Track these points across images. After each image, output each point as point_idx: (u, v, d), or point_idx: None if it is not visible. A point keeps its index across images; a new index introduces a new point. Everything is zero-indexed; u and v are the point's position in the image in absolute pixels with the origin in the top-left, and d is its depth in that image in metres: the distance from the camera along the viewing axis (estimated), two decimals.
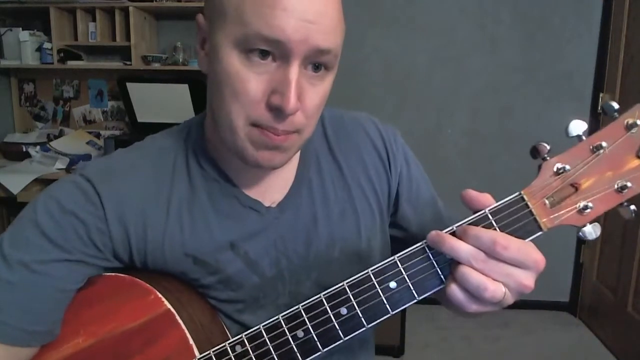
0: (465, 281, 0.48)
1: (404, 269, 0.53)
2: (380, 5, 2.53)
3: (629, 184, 0.49)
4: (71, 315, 0.60)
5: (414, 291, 0.53)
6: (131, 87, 2.40)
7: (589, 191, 0.50)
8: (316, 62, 0.53)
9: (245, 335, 0.57)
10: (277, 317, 0.56)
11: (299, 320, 0.55)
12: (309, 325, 0.55)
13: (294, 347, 0.55)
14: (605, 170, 0.50)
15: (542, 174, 0.51)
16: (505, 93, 2.54)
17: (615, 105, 0.49)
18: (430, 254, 0.52)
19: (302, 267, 0.66)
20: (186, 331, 0.58)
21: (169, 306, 0.59)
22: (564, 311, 2.61)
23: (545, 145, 0.51)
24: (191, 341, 0.58)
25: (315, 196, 0.66)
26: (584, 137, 0.50)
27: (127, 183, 0.61)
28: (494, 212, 0.51)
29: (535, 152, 0.51)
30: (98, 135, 2.69)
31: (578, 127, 0.50)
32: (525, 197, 0.51)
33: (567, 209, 0.50)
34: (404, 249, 0.54)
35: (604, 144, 0.49)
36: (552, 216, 0.50)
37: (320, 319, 0.54)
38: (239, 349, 0.57)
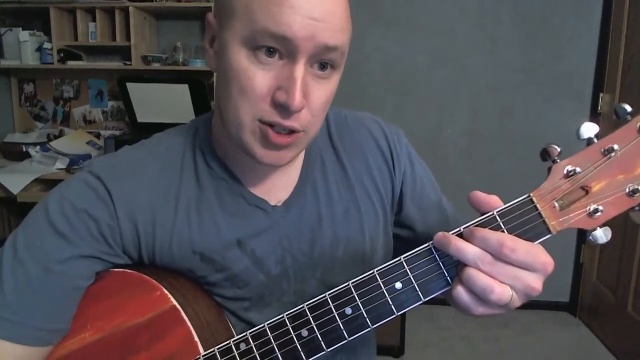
0: (471, 283, 0.48)
1: (410, 269, 0.52)
2: (380, 5, 2.53)
3: None
4: (79, 310, 0.61)
5: (419, 292, 0.52)
6: (131, 87, 2.39)
7: (599, 194, 0.49)
8: (323, 60, 0.53)
9: (250, 333, 0.57)
10: (281, 315, 0.56)
11: (303, 319, 0.55)
12: (313, 324, 0.54)
13: (298, 346, 0.55)
14: (617, 173, 0.49)
15: (552, 176, 0.50)
16: (505, 93, 2.54)
17: (628, 108, 0.48)
18: (436, 255, 0.52)
19: (307, 266, 0.66)
20: (191, 328, 0.59)
21: (175, 303, 0.59)
22: (564, 311, 2.62)
23: (556, 147, 0.50)
24: (196, 338, 0.58)
25: (319, 195, 0.67)
26: (595, 140, 0.49)
27: (135, 181, 0.61)
28: (502, 214, 0.50)
29: (545, 155, 0.50)
30: (98, 135, 2.69)
31: (589, 129, 0.49)
32: (534, 199, 0.50)
33: (576, 212, 0.49)
34: (410, 249, 0.53)
35: (615, 146, 0.48)
36: (561, 219, 0.50)
37: (325, 319, 0.54)
38: (243, 346, 0.57)
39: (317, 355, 0.55)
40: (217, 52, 0.57)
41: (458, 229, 0.51)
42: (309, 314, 0.55)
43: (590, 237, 0.50)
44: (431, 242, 0.52)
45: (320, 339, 0.54)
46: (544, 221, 0.50)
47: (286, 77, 0.52)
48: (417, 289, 0.52)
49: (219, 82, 0.57)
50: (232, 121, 0.56)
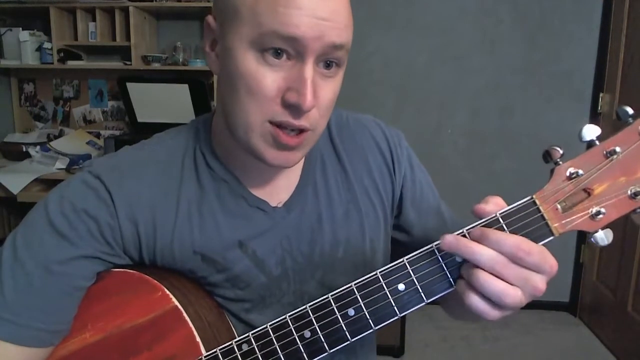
0: (486, 288, 0.47)
1: (412, 271, 0.52)
2: (380, 5, 2.53)
3: None
4: (79, 310, 0.61)
5: (422, 294, 0.52)
6: (131, 87, 2.39)
7: (601, 197, 0.49)
8: (329, 59, 0.53)
9: (252, 334, 0.57)
10: (284, 316, 0.56)
11: (306, 320, 0.55)
12: (316, 325, 0.54)
13: (301, 347, 0.55)
14: (619, 175, 0.49)
15: (554, 178, 0.50)
16: (505, 93, 2.54)
17: (630, 111, 0.49)
18: (439, 257, 0.52)
19: (307, 267, 0.66)
20: (193, 328, 0.59)
21: (177, 303, 0.59)
22: (564, 311, 2.62)
23: (558, 149, 0.50)
24: (198, 338, 0.58)
25: (320, 197, 0.67)
26: (597, 142, 0.49)
27: (136, 181, 0.61)
28: (505, 216, 0.50)
29: (547, 156, 0.51)
30: (98, 135, 2.69)
31: (591, 131, 0.49)
32: (537, 201, 0.50)
33: (579, 214, 0.49)
34: (406, 253, 0.53)
35: (617, 149, 0.48)
36: (564, 221, 0.50)
37: (328, 320, 0.54)
38: (245, 347, 0.57)
39: (319, 357, 0.55)
40: (220, 55, 0.56)
41: (461, 231, 0.51)
42: (311, 315, 0.55)
43: (592, 240, 0.50)
44: (434, 243, 0.52)
45: (323, 340, 0.54)
46: (546, 223, 0.50)
47: (296, 77, 0.52)
48: (420, 291, 0.52)
49: (223, 85, 0.57)
50: (240, 124, 0.55)
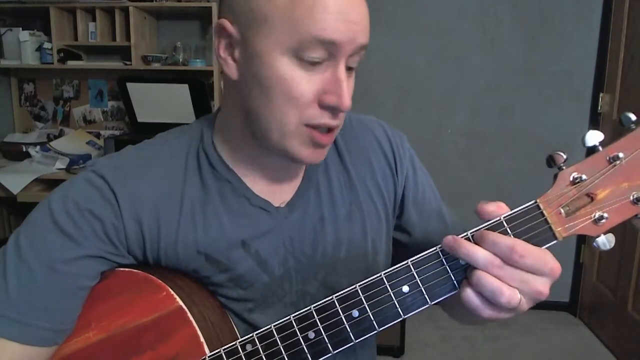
0: (480, 286, 0.48)
1: (417, 273, 0.53)
2: (380, 5, 2.53)
3: None
4: (83, 309, 0.61)
5: (426, 296, 0.53)
6: (131, 87, 2.39)
7: (604, 202, 0.50)
8: (352, 60, 0.56)
9: (256, 334, 0.57)
10: (288, 317, 0.56)
11: (310, 321, 0.55)
12: (320, 326, 0.55)
13: (305, 347, 0.55)
14: (622, 181, 0.49)
15: (558, 183, 0.51)
16: (505, 93, 2.54)
17: (633, 117, 0.49)
18: (444, 259, 0.53)
19: (309, 267, 0.66)
20: (197, 328, 0.59)
21: (181, 303, 0.59)
22: (564, 311, 2.62)
23: (562, 154, 0.51)
24: (202, 338, 0.58)
25: (322, 197, 0.67)
26: (600, 148, 0.50)
27: (140, 181, 0.61)
28: (509, 219, 0.51)
29: (551, 161, 0.51)
30: (98, 135, 2.69)
31: (594, 137, 0.50)
32: (540, 205, 0.51)
33: (582, 219, 0.50)
34: (408, 255, 0.54)
35: (621, 155, 0.49)
36: (567, 225, 0.50)
37: (332, 321, 0.54)
38: (249, 347, 0.57)
39: (323, 357, 0.55)
40: (242, 60, 0.56)
41: (465, 234, 0.52)
42: (316, 316, 0.55)
43: (594, 244, 0.51)
44: (438, 245, 0.53)
45: (327, 341, 0.54)
46: (550, 227, 0.50)
47: (332, 79, 0.54)
48: (424, 293, 0.53)
49: (248, 91, 0.56)
50: (274, 128, 0.56)
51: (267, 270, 0.64)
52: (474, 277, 0.49)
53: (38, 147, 2.47)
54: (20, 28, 2.46)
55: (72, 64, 2.47)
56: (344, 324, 0.54)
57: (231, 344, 0.58)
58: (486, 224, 0.52)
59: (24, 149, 2.47)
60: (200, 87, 2.34)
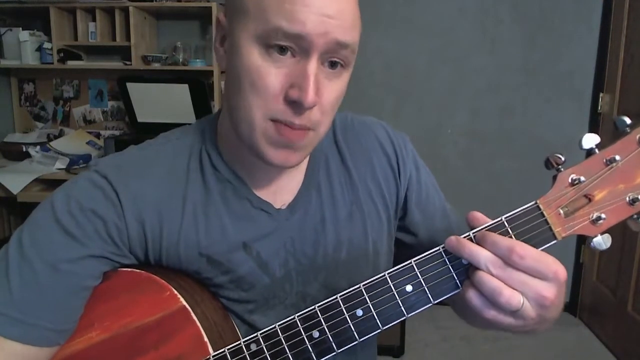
0: (481, 285, 0.49)
1: (420, 272, 0.54)
2: (380, 6, 2.53)
3: None
4: (86, 309, 0.60)
5: (429, 295, 0.54)
6: (131, 87, 2.39)
7: (602, 203, 0.52)
8: (334, 59, 0.53)
9: (261, 334, 0.57)
10: (292, 316, 0.56)
11: (314, 321, 0.55)
12: (324, 325, 0.55)
13: (309, 347, 0.55)
14: (618, 182, 0.51)
15: (557, 184, 0.52)
16: (505, 93, 2.54)
17: (628, 121, 0.51)
18: (446, 259, 0.54)
19: (310, 269, 0.66)
20: (201, 328, 0.59)
21: (185, 303, 0.59)
22: (564, 311, 2.60)
23: (560, 156, 0.52)
24: (205, 338, 0.58)
25: (323, 199, 0.67)
26: (596, 150, 0.52)
27: (143, 181, 0.61)
28: (510, 220, 0.52)
29: (549, 164, 0.53)
30: (98, 135, 2.69)
31: (590, 140, 0.52)
32: (541, 206, 0.52)
33: (580, 219, 0.52)
34: (413, 256, 0.55)
35: (617, 157, 0.51)
36: (566, 226, 0.52)
37: (336, 320, 0.55)
38: (254, 347, 0.57)
39: (327, 356, 0.55)
40: (228, 51, 0.57)
41: (468, 234, 0.53)
42: (320, 316, 0.55)
43: (591, 244, 0.52)
44: (441, 245, 0.54)
45: (332, 340, 0.55)
46: (550, 227, 0.52)
47: (299, 74, 0.52)
48: (428, 292, 0.54)
49: (229, 81, 0.57)
50: (243, 120, 0.55)
51: (268, 272, 0.64)
52: (476, 277, 0.50)
53: (38, 147, 2.47)
54: (20, 28, 2.47)
55: (72, 64, 2.47)
56: (348, 323, 0.55)
57: (235, 343, 0.58)
58: (488, 224, 0.53)
59: (24, 149, 2.47)
60: (200, 87, 2.34)
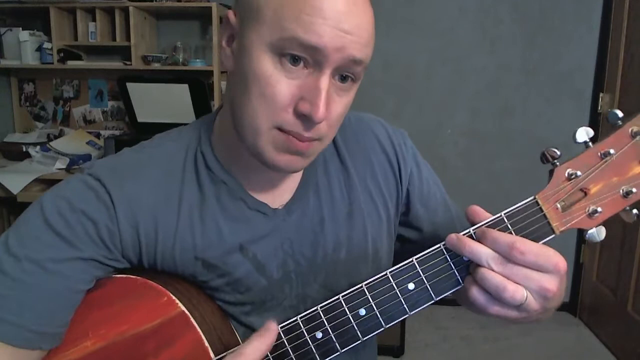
0: (485, 282, 0.50)
1: (422, 270, 0.54)
2: (380, 5, 2.53)
3: (633, 190, 0.52)
4: (79, 318, 0.58)
5: (431, 292, 0.54)
6: (131, 87, 2.39)
7: (597, 196, 0.52)
8: (346, 73, 0.53)
9: None
10: (294, 318, 0.56)
11: (317, 322, 0.55)
12: (327, 326, 0.55)
13: (313, 348, 0.55)
14: (612, 175, 0.52)
15: (554, 179, 0.53)
16: (505, 93, 2.54)
17: (620, 114, 0.52)
18: (447, 256, 0.54)
19: (309, 270, 0.65)
20: (201, 333, 0.57)
21: (183, 308, 0.58)
22: (564, 311, 2.62)
23: (555, 150, 0.53)
24: (206, 343, 0.57)
25: (322, 198, 0.66)
26: (590, 144, 0.52)
27: (137, 184, 0.60)
28: (510, 216, 0.53)
29: (544, 158, 0.53)
30: (98, 135, 2.69)
31: (583, 134, 0.52)
32: (539, 201, 0.53)
33: (577, 213, 0.52)
34: (417, 252, 0.55)
35: (611, 151, 0.51)
36: (563, 220, 0.53)
37: (339, 320, 0.55)
38: None
39: (331, 357, 0.55)
40: (236, 52, 0.55)
41: (467, 231, 0.53)
42: (323, 316, 0.55)
43: (587, 237, 0.53)
44: (442, 243, 0.54)
45: (335, 340, 0.55)
46: (548, 222, 0.53)
47: (311, 87, 0.51)
48: (430, 289, 0.54)
49: (235, 83, 0.56)
50: (247, 125, 0.54)
51: (265, 274, 0.63)
52: (478, 274, 0.50)
53: (38, 147, 2.47)
54: (20, 28, 2.46)
55: (72, 64, 2.46)
56: (351, 322, 0.55)
57: (237, 347, 0.57)
58: (488, 220, 0.53)
59: (24, 149, 2.47)
60: (200, 87, 2.35)
